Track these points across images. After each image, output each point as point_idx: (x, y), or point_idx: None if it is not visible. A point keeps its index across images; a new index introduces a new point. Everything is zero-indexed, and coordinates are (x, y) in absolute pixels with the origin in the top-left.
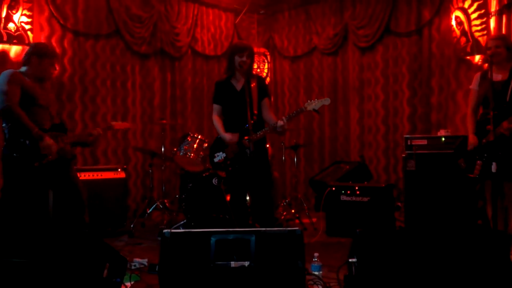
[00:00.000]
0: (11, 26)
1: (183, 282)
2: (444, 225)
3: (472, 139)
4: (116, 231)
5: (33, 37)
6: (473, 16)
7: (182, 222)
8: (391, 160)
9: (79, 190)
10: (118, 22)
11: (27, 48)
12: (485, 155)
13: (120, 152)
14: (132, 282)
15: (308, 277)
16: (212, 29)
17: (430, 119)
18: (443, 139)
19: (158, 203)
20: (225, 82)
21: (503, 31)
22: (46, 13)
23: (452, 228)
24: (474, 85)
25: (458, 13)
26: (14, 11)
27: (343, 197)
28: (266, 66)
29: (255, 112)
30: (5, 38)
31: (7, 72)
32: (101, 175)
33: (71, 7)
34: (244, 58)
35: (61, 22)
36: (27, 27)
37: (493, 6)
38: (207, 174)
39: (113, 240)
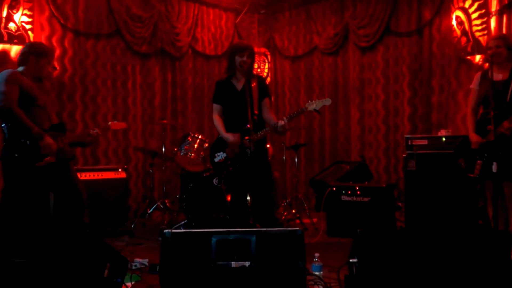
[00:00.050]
0: (11, 26)
1: (184, 282)
2: (444, 225)
3: (475, 138)
4: (116, 231)
5: (33, 37)
6: (474, 16)
7: (182, 222)
8: (391, 160)
9: (79, 191)
10: (119, 22)
11: None
12: (486, 155)
13: (120, 152)
14: (133, 282)
15: (308, 277)
16: (212, 29)
17: (431, 119)
18: (444, 139)
19: (158, 203)
20: (226, 82)
21: (504, 31)
22: (47, 13)
23: (453, 228)
24: (474, 84)
25: (458, 13)
26: (14, 11)
27: (344, 197)
28: (266, 66)
29: (256, 112)
30: (5, 38)
31: (5, 72)
32: (102, 175)
33: (72, 7)
34: (245, 58)
35: (62, 22)
36: (28, 27)
37: (494, 6)
38: (208, 174)
39: (113, 240)
